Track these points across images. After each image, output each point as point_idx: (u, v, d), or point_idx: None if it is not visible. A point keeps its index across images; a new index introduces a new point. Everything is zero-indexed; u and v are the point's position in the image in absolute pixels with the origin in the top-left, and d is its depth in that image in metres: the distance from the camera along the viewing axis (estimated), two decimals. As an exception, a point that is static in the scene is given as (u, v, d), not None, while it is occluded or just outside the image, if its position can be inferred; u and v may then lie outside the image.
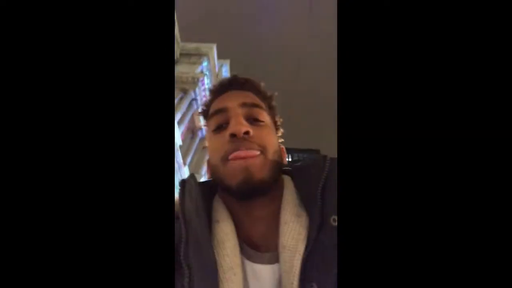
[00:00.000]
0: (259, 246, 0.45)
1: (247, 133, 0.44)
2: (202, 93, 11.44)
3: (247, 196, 0.44)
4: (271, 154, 0.46)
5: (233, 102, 0.49)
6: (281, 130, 0.56)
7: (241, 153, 0.44)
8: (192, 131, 12.15)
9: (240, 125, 0.45)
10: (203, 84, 11.23)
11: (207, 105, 0.55)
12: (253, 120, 0.48)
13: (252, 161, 0.44)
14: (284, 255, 0.42)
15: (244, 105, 0.48)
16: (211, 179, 0.51)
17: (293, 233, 0.43)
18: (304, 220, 0.44)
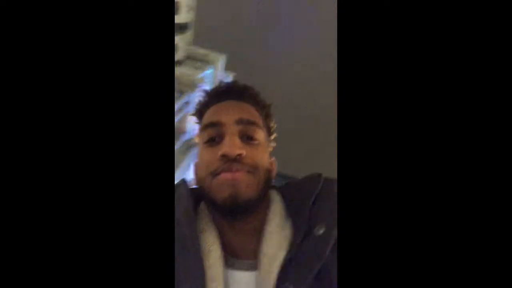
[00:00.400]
0: (240, 254, 0.46)
1: (239, 155, 0.45)
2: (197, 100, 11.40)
3: (231, 213, 0.45)
4: (261, 174, 0.47)
5: (229, 117, 0.48)
6: (275, 134, 0.57)
7: (230, 174, 0.44)
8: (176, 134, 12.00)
9: (234, 147, 0.45)
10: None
11: (202, 106, 0.54)
12: (247, 138, 0.48)
13: (241, 179, 0.44)
14: (264, 261, 0.43)
15: (240, 121, 0.48)
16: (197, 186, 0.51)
17: (274, 242, 0.44)
18: (288, 232, 0.46)
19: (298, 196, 0.48)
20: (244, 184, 0.44)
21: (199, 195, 0.51)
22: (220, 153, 0.45)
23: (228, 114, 0.49)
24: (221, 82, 0.56)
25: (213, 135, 0.49)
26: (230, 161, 0.45)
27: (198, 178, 0.50)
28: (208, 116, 0.52)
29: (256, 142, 0.49)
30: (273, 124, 0.57)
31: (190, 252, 0.43)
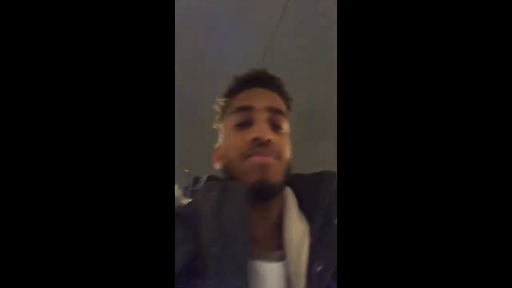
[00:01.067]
0: (263, 245, 0.46)
1: (269, 140, 0.47)
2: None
3: (257, 196, 0.45)
4: (285, 163, 0.49)
5: (259, 103, 0.50)
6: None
7: (261, 158, 0.46)
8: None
9: (265, 132, 0.47)
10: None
11: (230, 91, 0.55)
12: (275, 127, 0.50)
13: (271, 163, 0.46)
14: (292, 246, 0.44)
15: (270, 109, 0.50)
16: (221, 169, 0.51)
17: (298, 229, 0.46)
18: (304, 224, 0.48)
19: (309, 192, 0.51)
20: (273, 168, 0.46)
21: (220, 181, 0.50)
22: (252, 136, 0.47)
23: (259, 100, 0.51)
24: (251, 69, 0.56)
25: (243, 120, 0.50)
26: (261, 145, 0.46)
27: (226, 161, 0.50)
28: (239, 101, 0.52)
29: (282, 131, 0.51)
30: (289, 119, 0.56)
31: (236, 240, 0.41)
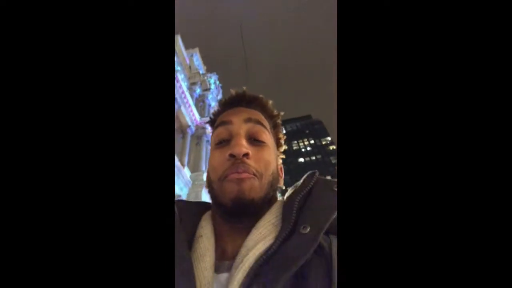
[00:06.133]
0: (228, 256, 0.45)
1: (246, 154, 0.47)
2: (180, 90, 11.08)
3: (237, 214, 0.46)
4: (266, 177, 0.48)
5: (238, 117, 0.52)
6: (284, 146, 0.59)
7: (237, 175, 0.46)
8: (181, 130, 11.89)
9: (240, 147, 0.47)
10: (177, 81, 10.85)
11: (215, 115, 0.58)
12: (254, 140, 0.50)
13: (247, 181, 0.45)
14: (241, 252, 0.42)
15: (248, 120, 0.51)
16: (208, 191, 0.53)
17: (259, 236, 0.44)
18: (277, 230, 0.45)
19: (292, 195, 0.48)
20: (249, 188, 0.45)
21: (203, 206, 0.56)
22: (228, 152, 0.47)
23: (237, 115, 0.52)
24: (232, 93, 0.58)
25: (222, 137, 0.51)
26: (237, 162, 0.46)
27: (209, 182, 0.52)
28: (219, 118, 0.55)
29: (263, 144, 0.50)
30: (281, 136, 0.58)
31: (181, 259, 0.42)
